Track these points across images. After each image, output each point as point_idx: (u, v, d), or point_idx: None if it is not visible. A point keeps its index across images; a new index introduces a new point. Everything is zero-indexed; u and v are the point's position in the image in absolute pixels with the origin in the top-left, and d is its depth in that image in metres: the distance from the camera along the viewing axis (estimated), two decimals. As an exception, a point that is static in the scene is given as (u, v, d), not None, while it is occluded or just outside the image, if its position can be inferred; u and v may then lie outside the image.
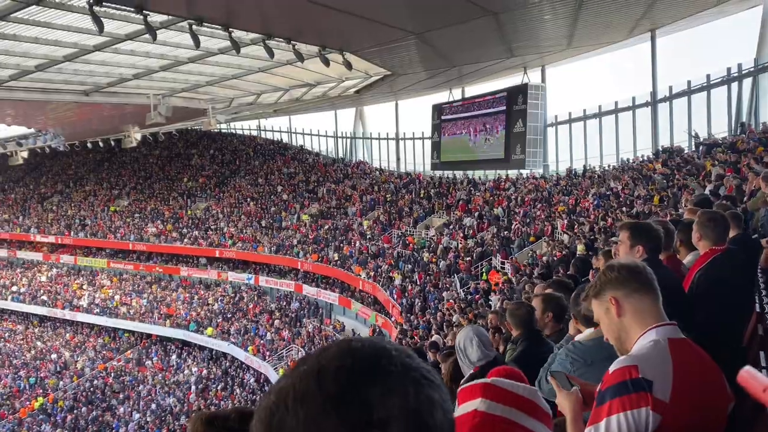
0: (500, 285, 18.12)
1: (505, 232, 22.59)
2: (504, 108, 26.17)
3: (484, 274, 20.64)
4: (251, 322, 29.91)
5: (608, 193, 20.66)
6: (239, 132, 44.61)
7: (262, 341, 28.12)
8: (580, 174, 24.85)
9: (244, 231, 33.18)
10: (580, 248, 15.23)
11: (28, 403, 29.75)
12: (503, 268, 20.29)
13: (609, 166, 24.37)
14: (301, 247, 29.81)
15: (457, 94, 29.86)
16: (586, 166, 25.47)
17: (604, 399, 1.55)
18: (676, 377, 1.51)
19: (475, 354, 3.06)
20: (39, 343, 34.69)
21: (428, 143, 31.51)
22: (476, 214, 25.71)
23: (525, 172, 27.31)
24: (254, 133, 44.03)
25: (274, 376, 24.63)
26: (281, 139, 42.58)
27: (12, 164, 33.88)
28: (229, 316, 30.89)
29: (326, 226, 30.69)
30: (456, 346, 3.26)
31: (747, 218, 7.07)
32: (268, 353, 27.13)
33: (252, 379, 27.41)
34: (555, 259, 16.62)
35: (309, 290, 29.45)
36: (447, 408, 0.65)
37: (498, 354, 3.29)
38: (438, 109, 30.02)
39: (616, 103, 25.57)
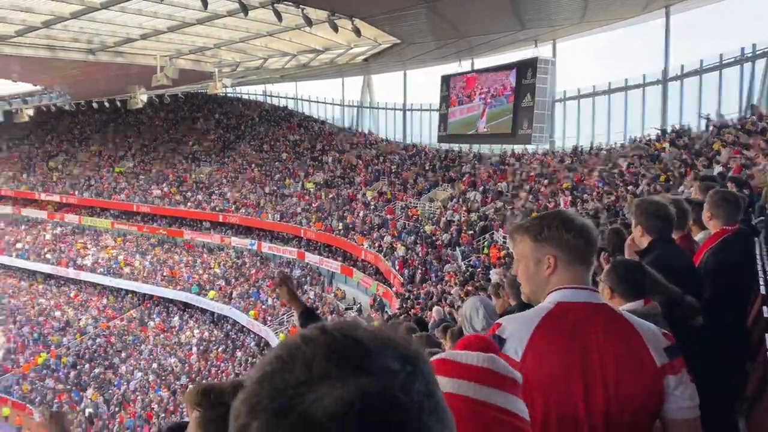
0: (501, 259, 18.19)
1: (509, 207, 22.57)
2: (513, 81, 25.88)
3: (486, 248, 20.70)
4: (253, 287, 30.13)
5: (614, 171, 20.55)
6: (245, 97, 44.18)
7: (263, 306, 28.36)
8: (586, 151, 24.67)
9: (248, 197, 33.18)
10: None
11: (31, 358, 30.22)
12: (504, 243, 20.31)
13: (616, 144, 24.19)
14: (305, 215, 29.84)
15: (466, 65, 29.49)
16: (593, 144, 25.28)
17: None
18: (534, 339, 1.53)
19: (480, 323, 3.08)
20: (43, 301, 35.06)
21: (435, 115, 31.25)
22: (480, 188, 25.65)
23: (531, 148, 27.13)
24: (260, 98, 43.58)
25: (274, 341, 24.91)
26: (287, 106, 42.17)
27: (17, 121, 33.80)
28: (231, 280, 31.11)
29: (330, 195, 30.67)
30: (461, 315, 3.29)
31: (754, 199, 7.07)
32: (269, 318, 27.40)
33: (252, 343, 27.74)
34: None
35: (311, 258, 29.57)
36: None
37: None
38: (446, 81, 29.66)
39: (626, 80, 25.27)
